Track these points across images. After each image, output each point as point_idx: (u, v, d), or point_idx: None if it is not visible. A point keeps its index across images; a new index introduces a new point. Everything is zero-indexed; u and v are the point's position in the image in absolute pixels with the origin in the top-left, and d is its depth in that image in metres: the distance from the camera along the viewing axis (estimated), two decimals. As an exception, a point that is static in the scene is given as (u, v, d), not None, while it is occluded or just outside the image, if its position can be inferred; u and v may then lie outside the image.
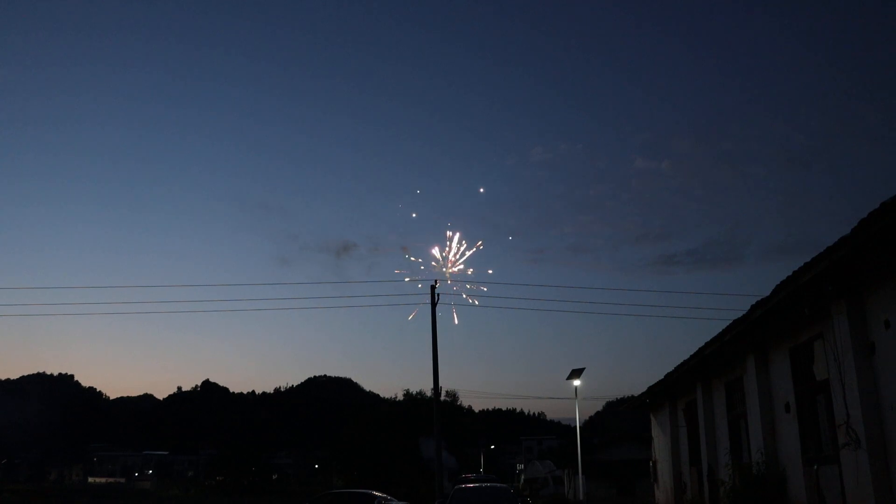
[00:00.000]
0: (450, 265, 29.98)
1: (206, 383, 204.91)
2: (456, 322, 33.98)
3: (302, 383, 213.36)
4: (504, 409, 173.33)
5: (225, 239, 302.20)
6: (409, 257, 30.44)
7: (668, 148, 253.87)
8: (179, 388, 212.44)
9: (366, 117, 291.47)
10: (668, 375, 17.04)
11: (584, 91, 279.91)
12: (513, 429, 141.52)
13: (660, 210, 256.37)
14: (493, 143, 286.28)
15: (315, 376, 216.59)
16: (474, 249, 30.39)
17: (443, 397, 48.37)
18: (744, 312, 11.15)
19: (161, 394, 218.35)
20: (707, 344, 13.42)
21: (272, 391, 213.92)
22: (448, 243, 30.30)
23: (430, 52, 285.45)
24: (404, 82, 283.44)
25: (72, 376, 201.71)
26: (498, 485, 19.73)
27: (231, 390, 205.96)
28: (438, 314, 29.07)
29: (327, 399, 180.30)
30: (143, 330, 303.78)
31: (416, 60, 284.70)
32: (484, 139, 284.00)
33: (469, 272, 30.22)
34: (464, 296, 30.73)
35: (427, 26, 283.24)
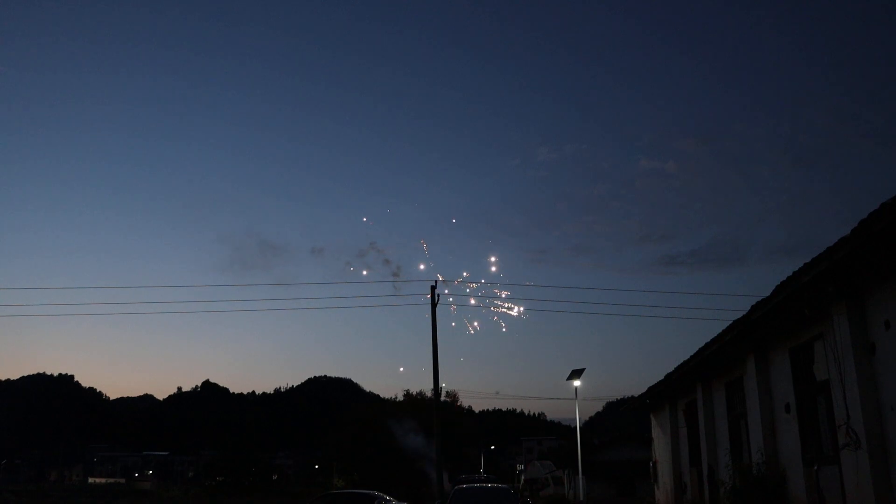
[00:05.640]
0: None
1: (207, 384, 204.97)
2: (469, 331, 30.26)
3: (302, 383, 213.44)
4: (504, 409, 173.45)
5: (220, 240, 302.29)
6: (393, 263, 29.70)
7: (672, 148, 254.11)
8: (179, 389, 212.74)
9: (371, 122, 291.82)
10: (668, 376, 17.04)
11: (588, 92, 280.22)
12: (513, 429, 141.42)
13: (663, 210, 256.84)
14: (498, 144, 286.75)
15: (315, 376, 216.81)
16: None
17: (443, 398, 48.34)
18: (745, 313, 11.16)
19: (161, 394, 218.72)
20: (707, 344, 13.42)
21: (272, 391, 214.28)
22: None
23: (434, 55, 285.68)
24: (407, 85, 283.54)
25: (72, 377, 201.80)
26: (498, 485, 19.67)
27: (231, 390, 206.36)
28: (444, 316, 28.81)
29: (327, 399, 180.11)
30: (143, 330, 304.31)
31: (419, 63, 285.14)
32: (489, 140, 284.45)
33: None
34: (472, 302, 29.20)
35: (431, 30, 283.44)
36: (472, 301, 29.26)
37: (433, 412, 29.69)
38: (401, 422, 48.95)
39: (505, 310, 28.08)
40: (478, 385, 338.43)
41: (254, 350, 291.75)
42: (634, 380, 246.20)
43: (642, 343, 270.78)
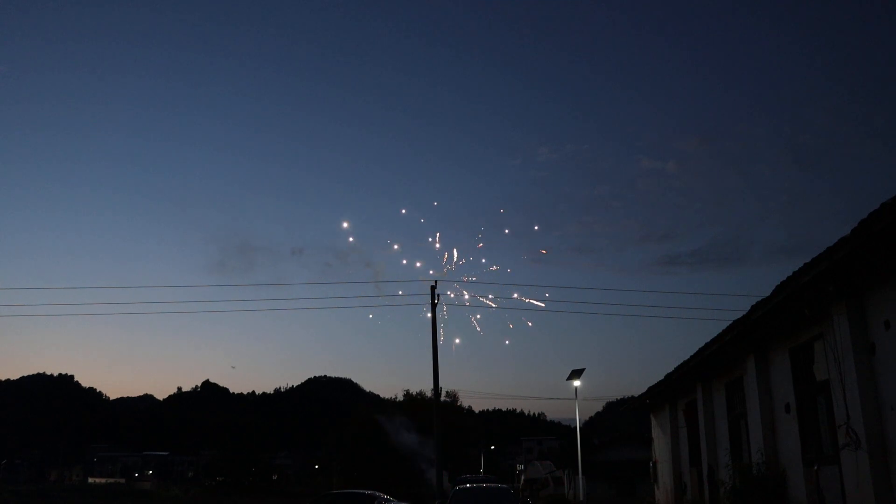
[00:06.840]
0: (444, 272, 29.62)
1: (207, 384, 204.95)
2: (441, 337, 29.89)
3: (302, 384, 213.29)
4: (504, 409, 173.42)
5: (212, 241, 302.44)
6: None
7: (672, 148, 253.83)
8: (179, 389, 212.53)
9: (370, 123, 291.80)
10: (668, 376, 17.05)
11: (588, 92, 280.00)
12: (513, 429, 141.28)
13: (664, 211, 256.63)
14: (498, 144, 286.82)
15: (315, 377, 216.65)
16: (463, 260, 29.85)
17: (443, 398, 48.34)
18: (745, 313, 11.16)
19: (161, 394, 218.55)
20: (707, 344, 13.43)
21: (272, 391, 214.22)
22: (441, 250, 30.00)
23: (434, 55, 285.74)
24: (407, 84, 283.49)
25: (72, 376, 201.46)
26: (498, 485, 19.66)
27: (231, 391, 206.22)
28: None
29: (327, 399, 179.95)
30: (143, 330, 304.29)
31: (419, 63, 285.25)
32: (489, 140, 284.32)
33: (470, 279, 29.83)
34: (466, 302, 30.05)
35: (432, 30, 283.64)
36: (465, 295, 29.64)
37: (433, 412, 29.71)
38: (401, 422, 48.97)
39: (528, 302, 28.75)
40: (478, 385, 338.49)
41: (254, 350, 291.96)
42: (634, 380, 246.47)
43: (642, 343, 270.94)
